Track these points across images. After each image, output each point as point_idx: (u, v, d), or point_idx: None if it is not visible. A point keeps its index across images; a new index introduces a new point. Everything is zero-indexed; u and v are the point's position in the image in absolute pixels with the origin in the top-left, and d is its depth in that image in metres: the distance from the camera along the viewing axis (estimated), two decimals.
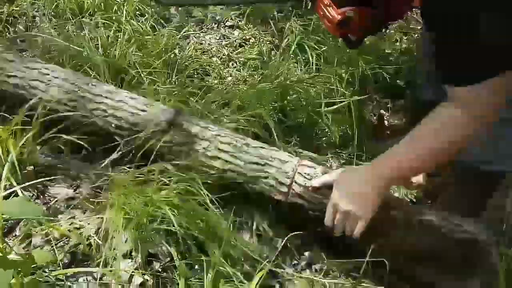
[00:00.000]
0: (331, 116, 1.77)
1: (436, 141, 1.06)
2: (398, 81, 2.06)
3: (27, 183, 1.22)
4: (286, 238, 1.21)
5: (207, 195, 1.17)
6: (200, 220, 1.14)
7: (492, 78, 0.93)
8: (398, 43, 2.37)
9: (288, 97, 1.77)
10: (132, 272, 1.11)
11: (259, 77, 1.99)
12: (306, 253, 1.29)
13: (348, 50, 2.07)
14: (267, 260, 1.17)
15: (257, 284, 1.06)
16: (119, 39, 1.85)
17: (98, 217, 1.17)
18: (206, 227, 1.13)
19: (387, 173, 1.13)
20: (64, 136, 1.34)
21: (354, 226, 1.13)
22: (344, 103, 1.80)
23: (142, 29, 1.96)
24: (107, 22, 1.97)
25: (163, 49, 1.90)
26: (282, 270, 1.20)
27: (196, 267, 1.16)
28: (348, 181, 1.18)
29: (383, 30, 1.34)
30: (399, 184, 1.38)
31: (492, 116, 1.03)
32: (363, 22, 1.22)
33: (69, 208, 1.26)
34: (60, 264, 1.10)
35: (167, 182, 1.18)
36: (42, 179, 1.25)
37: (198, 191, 1.18)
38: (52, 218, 1.18)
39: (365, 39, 1.30)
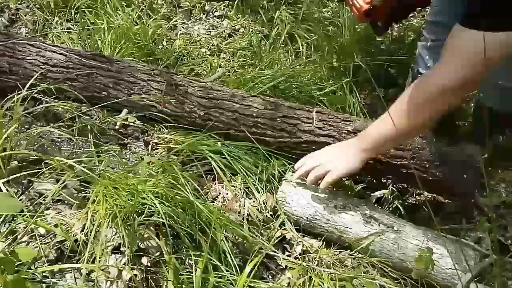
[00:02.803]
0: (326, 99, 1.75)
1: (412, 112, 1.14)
2: (389, 69, 2.03)
3: (10, 177, 1.18)
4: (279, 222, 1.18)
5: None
6: (188, 209, 1.11)
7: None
8: (389, 31, 2.34)
9: (280, 86, 1.73)
10: (121, 267, 1.09)
11: (249, 67, 1.96)
12: (300, 243, 1.27)
13: (339, 39, 2.06)
14: (260, 248, 1.14)
15: (249, 274, 1.03)
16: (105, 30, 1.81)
17: (83, 212, 1.13)
18: (195, 217, 1.10)
19: (369, 142, 1.25)
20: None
21: (320, 176, 1.27)
22: (335, 85, 1.78)
23: (129, 19, 1.91)
24: (93, 12, 1.93)
25: (151, 40, 1.86)
26: (274, 260, 1.17)
27: (187, 261, 1.14)
28: (333, 145, 1.35)
29: (411, 16, 1.43)
30: (377, 154, 1.37)
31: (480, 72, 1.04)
32: (388, 9, 1.28)
33: (55, 204, 1.23)
34: (46, 261, 1.06)
35: (154, 173, 1.15)
36: (25, 172, 1.21)
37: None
38: (36, 213, 1.14)
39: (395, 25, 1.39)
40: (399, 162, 1.40)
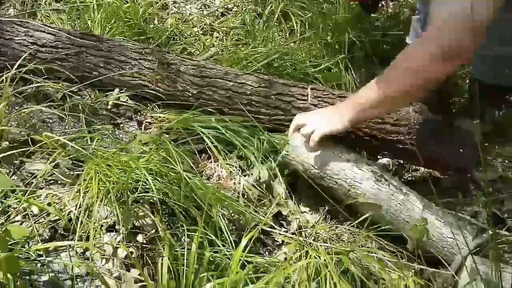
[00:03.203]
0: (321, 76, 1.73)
1: (394, 84, 1.14)
2: (385, 46, 2.01)
3: (1, 155, 1.16)
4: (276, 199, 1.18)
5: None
6: (183, 185, 1.09)
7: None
8: (384, 8, 2.31)
9: (274, 64, 1.71)
10: (116, 245, 1.07)
11: (242, 46, 1.93)
12: (296, 219, 1.26)
13: (334, 16, 2.03)
14: (255, 225, 1.14)
15: (244, 249, 1.02)
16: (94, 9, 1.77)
17: (75, 190, 1.11)
18: (190, 193, 1.09)
19: (354, 107, 1.24)
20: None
21: (307, 134, 1.29)
22: (330, 62, 1.76)
23: None
24: None
25: (141, 19, 1.83)
26: (271, 236, 1.17)
27: (183, 238, 1.13)
28: (323, 108, 1.38)
29: None
30: (364, 119, 1.34)
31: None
32: None
33: (48, 185, 1.21)
34: (39, 240, 1.05)
35: (147, 150, 1.14)
36: (16, 151, 1.19)
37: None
38: (27, 189, 1.12)
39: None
40: (395, 138, 1.39)
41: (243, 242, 1.01)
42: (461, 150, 1.38)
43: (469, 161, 1.39)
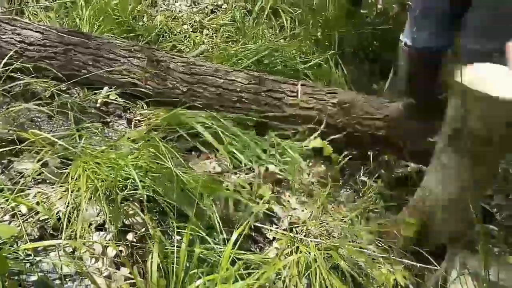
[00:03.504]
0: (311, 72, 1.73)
1: None
2: (374, 42, 2.02)
3: None
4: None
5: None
6: (175, 181, 1.09)
7: None
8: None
9: (264, 61, 1.71)
10: (106, 243, 1.07)
11: (232, 43, 1.93)
12: (287, 216, 1.26)
13: (323, 12, 2.04)
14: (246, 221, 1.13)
15: (235, 244, 1.02)
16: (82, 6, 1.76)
17: (63, 188, 1.10)
18: (179, 189, 1.09)
19: None
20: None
21: None
22: (320, 58, 1.76)
23: None
24: None
25: (130, 16, 1.82)
26: (262, 233, 1.17)
27: (174, 235, 1.12)
28: None
29: None
30: None
31: None
32: None
33: (37, 184, 1.20)
34: (28, 240, 1.04)
35: (136, 147, 1.13)
36: (3, 149, 1.18)
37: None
38: (16, 191, 1.11)
39: None
40: (384, 134, 1.40)
41: (233, 237, 1.01)
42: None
43: None
